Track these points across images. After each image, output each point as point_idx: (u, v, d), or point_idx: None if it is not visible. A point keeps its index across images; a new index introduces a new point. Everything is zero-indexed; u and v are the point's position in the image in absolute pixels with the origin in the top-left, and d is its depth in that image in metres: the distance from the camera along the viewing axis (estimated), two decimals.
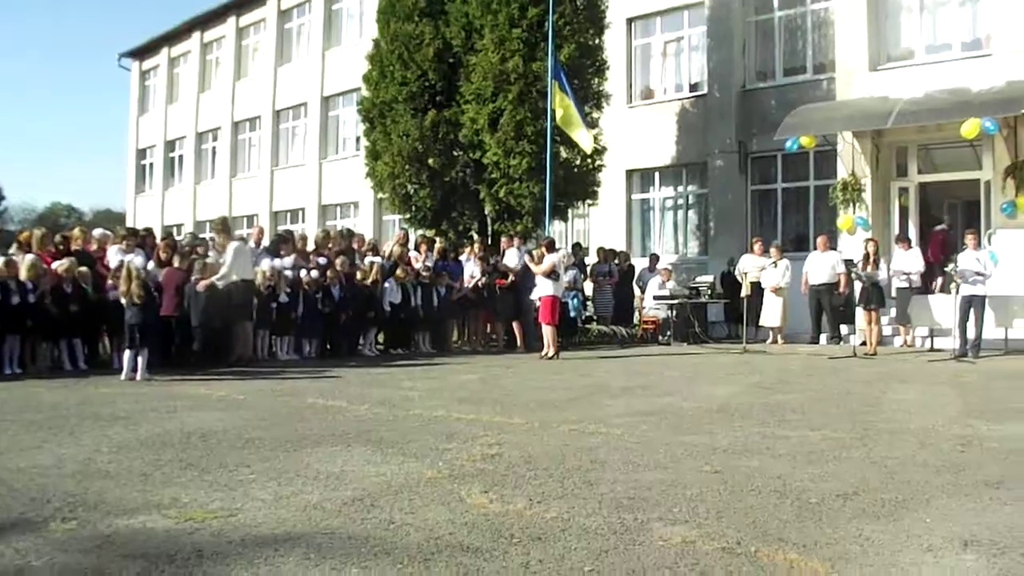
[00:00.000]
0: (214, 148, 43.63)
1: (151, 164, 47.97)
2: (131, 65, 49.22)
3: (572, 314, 20.18)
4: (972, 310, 16.56)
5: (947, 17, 22.07)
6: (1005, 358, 16.63)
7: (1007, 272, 18.37)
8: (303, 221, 37.71)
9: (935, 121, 20.43)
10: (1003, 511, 5.80)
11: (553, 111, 20.71)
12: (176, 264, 15.53)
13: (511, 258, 19.90)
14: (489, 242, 22.33)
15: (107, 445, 8.03)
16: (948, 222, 23.45)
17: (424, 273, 19.19)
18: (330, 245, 19.17)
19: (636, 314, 22.93)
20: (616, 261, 23.45)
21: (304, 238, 19.77)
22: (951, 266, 16.79)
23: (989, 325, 17.09)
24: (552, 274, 17.55)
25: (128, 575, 4.56)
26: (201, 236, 20.22)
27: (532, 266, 18.10)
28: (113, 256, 16.03)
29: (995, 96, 19.47)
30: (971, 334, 16.65)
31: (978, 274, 16.54)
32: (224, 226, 17.04)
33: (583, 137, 21.25)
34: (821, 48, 24.68)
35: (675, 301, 21.37)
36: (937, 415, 9.97)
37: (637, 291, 23.07)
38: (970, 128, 18.87)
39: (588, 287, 23.18)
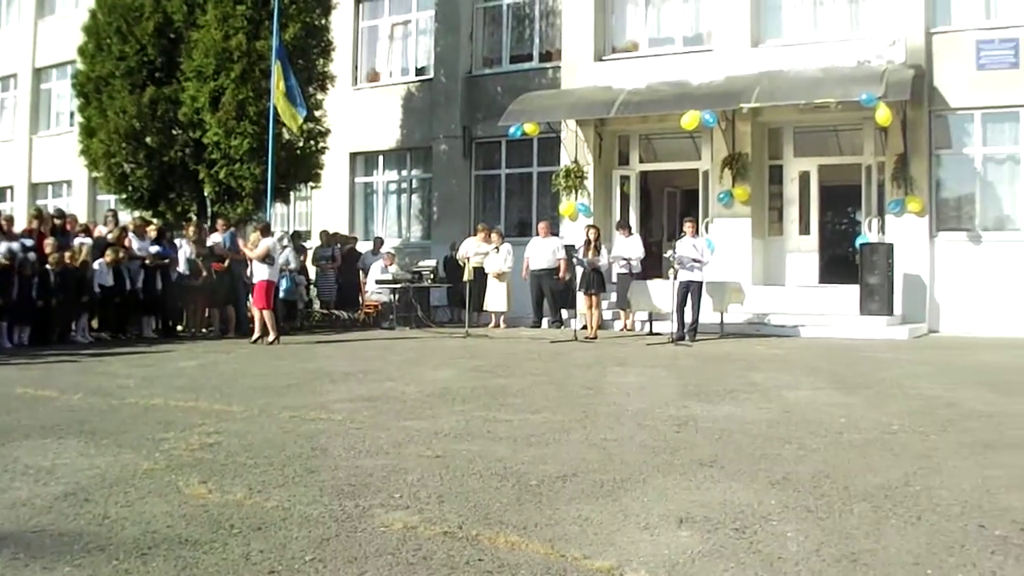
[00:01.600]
0: None
1: None
2: None
3: (282, 295, 19.42)
4: (689, 296, 16.94)
5: (671, 12, 22.68)
6: (720, 342, 17.16)
7: (723, 259, 19.02)
8: (11, 200, 35.46)
9: (657, 112, 21.00)
10: (716, 488, 6.00)
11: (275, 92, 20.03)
12: None
13: (217, 239, 19.16)
14: (209, 224, 21.42)
15: None
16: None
17: (140, 255, 18.17)
18: (40, 226, 17.87)
19: (359, 298, 22.50)
20: (339, 245, 22.95)
21: (10, 219, 18.32)
22: (669, 253, 17.14)
23: (706, 310, 17.55)
24: (267, 258, 16.96)
25: None
26: None
27: (246, 251, 17.48)
28: None
29: (715, 90, 20.18)
30: (688, 319, 16.99)
31: (695, 261, 16.94)
32: None
33: (292, 118, 20.38)
34: (548, 37, 24.91)
35: (398, 285, 21.13)
36: (655, 397, 10.20)
37: (361, 275, 22.63)
38: (690, 120, 19.40)
39: (311, 271, 22.60)
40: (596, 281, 18.14)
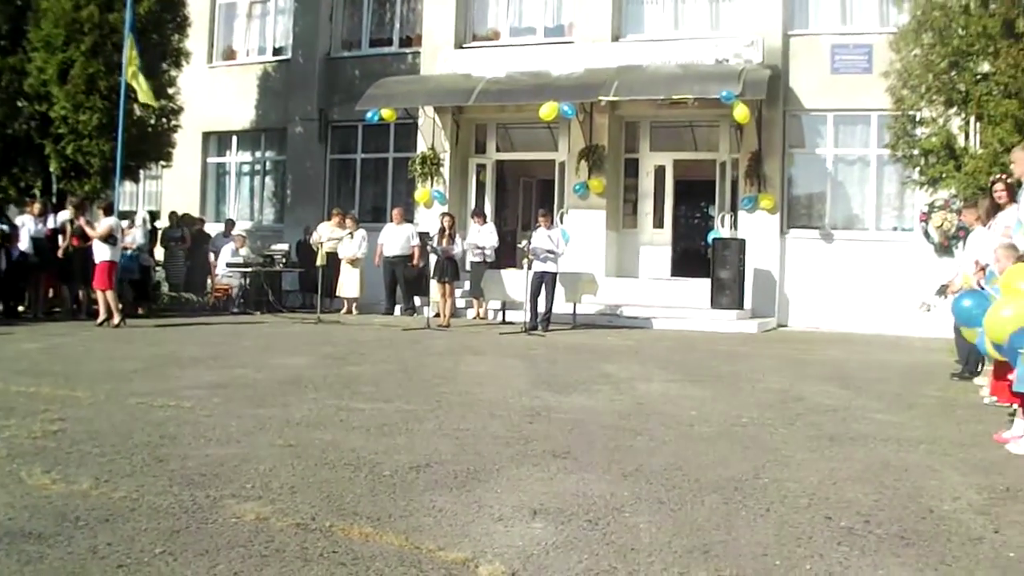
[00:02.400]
0: None
1: None
2: None
3: (120, 275, 18.78)
4: (543, 286, 16.99)
5: (533, 2, 22.77)
6: (573, 332, 17.29)
7: (577, 250, 19.13)
8: None
9: (516, 102, 21.10)
10: (569, 479, 6.02)
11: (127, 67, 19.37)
12: None
13: (65, 216, 18.45)
14: (54, 201, 20.67)
15: None
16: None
17: None
18: None
19: (209, 281, 22.03)
20: (189, 226, 22.41)
21: None
22: (524, 243, 17.15)
23: (559, 301, 17.63)
24: (109, 238, 16.46)
25: None
26: None
27: (88, 230, 16.93)
28: None
29: (574, 81, 20.30)
30: (541, 309, 17.05)
31: (549, 251, 17.00)
32: None
33: (147, 94, 19.71)
34: (409, 22, 24.71)
35: (249, 269, 20.79)
36: (508, 387, 10.22)
37: (211, 258, 22.13)
38: (548, 111, 19.51)
39: (159, 252, 22.03)
40: (450, 269, 18.10)
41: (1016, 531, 5.15)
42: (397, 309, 20.66)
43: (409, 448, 6.82)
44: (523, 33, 22.62)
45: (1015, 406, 7.78)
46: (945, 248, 18.22)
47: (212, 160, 27.21)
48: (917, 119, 17.52)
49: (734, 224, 20.46)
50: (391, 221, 21.01)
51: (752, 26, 20.34)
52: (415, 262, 19.90)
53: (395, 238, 20.45)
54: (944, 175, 16.65)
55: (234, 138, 26.91)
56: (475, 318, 19.60)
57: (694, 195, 23.97)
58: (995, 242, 9.72)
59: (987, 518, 5.39)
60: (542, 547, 4.66)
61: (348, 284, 20.77)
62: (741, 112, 18.46)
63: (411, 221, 21.33)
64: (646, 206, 21.85)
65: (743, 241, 19.38)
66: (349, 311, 20.59)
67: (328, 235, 20.67)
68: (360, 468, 6.16)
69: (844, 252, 19.82)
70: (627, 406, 9.06)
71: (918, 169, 17.25)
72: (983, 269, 10.27)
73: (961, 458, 7.03)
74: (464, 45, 22.63)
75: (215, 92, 25.72)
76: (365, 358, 12.72)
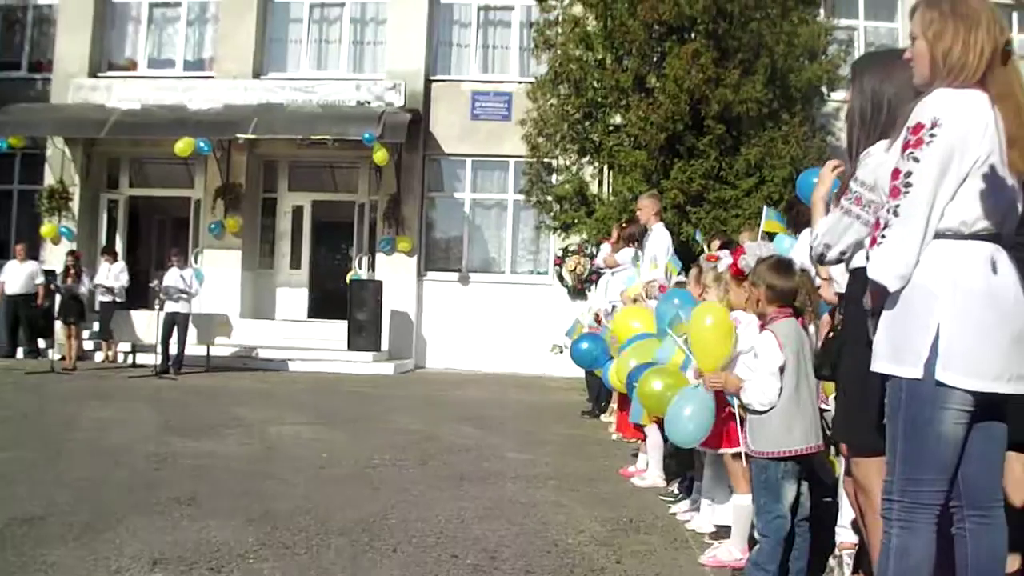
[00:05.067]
0: None
1: None
2: None
3: None
4: (176, 327, 16.49)
5: (173, 34, 22.21)
6: (206, 375, 16.88)
7: (212, 290, 18.71)
8: None
9: (151, 136, 20.50)
10: (194, 527, 5.85)
11: None
12: None
13: None
14: None
15: None
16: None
17: None
18: None
19: None
20: None
21: None
22: (155, 283, 16.68)
23: (191, 342, 17.13)
24: None
25: None
26: None
27: None
28: None
29: (213, 117, 19.88)
30: (173, 351, 16.54)
31: (182, 291, 16.54)
32: None
33: None
34: (40, 46, 23.38)
35: None
36: (135, 432, 9.90)
37: None
38: (184, 146, 19.05)
39: None
40: (75, 309, 17.27)
41: (636, 560, 5.39)
42: (19, 351, 19.46)
43: (22, 499, 6.41)
44: (162, 65, 21.98)
45: (640, 441, 8.14)
46: (579, 291, 19.02)
47: None
48: (552, 166, 18.30)
49: (372, 266, 20.57)
50: (14, 257, 19.76)
51: (395, 70, 20.61)
52: (40, 302, 18.84)
53: (18, 276, 19.24)
54: (576, 220, 17.45)
55: None
56: (104, 361, 18.75)
57: (333, 236, 23.92)
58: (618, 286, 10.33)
59: (609, 549, 5.62)
60: None
61: None
62: (380, 155, 18.64)
63: (36, 258, 20.17)
64: (284, 246, 21.70)
65: (380, 283, 19.45)
66: None
67: None
68: None
69: (481, 294, 20.30)
70: (257, 450, 8.92)
71: (552, 214, 17.99)
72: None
73: (588, 492, 7.31)
74: (99, 74, 21.72)
75: None
76: None
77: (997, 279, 3.18)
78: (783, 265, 4.93)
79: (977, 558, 3.30)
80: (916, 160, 3.17)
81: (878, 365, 3.33)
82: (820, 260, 3.74)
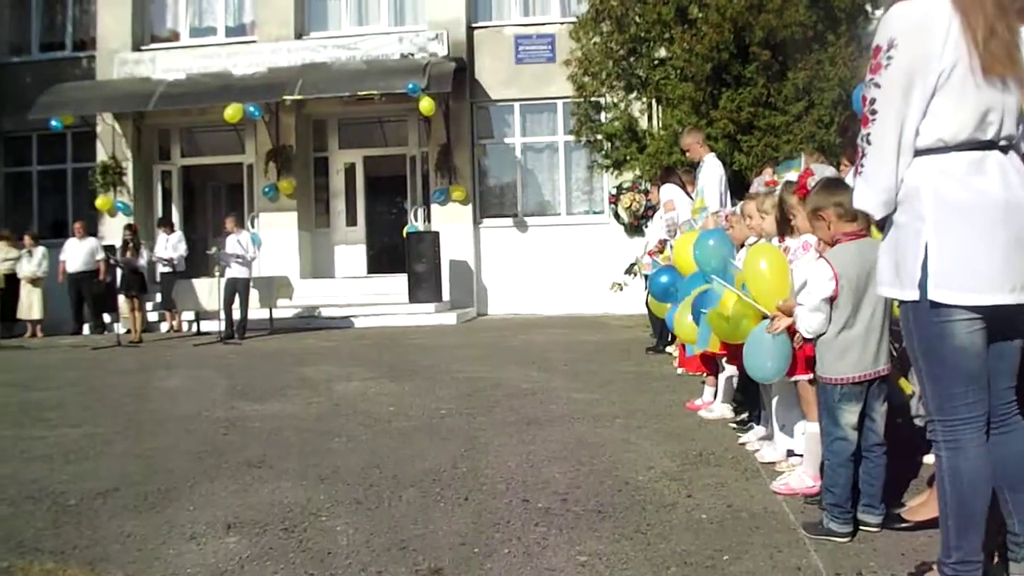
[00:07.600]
0: None
1: None
2: None
3: None
4: (237, 292, 16.58)
5: (213, 1, 22.31)
6: (270, 337, 16.99)
7: (270, 253, 18.81)
8: None
9: (198, 105, 20.62)
10: (264, 490, 5.83)
11: None
12: None
13: None
14: None
15: None
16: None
17: None
18: None
19: None
20: None
21: None
22: (214, 250, 16.76)
23: (254, 306, 17.24)
24: None
25: None
26: None
27: None
28: None
29: (258, 82, 19.98)
30: (236, 316, 16.66)
31: (239, 257, 16.61)
32: None
33: None
34: (83, 24, 23.59)
35: None
36: (203, 399, 9.89)
37: None
38: (233, 112, 19.17)
39: None
40: (137, 282, 17.44)
41: (707, 494, 5.31)
42: (85, 328, 19.72)
43: (96, 473, 6.43)
44: (204, 33, 22.12)
45: (705, 374, 8.06)
46: (635, 228, 18.93)
47: None
48: (600, 105, 18.14)
49: (427, 217, 20.60)
50: (73, 236, 19.99)
51: (436, 20, 20.54)
52: (101, 277, 19.09)
53: (78, 253, 19.49)
54: (628, 157, 17.28)
55: None
56: (169, 331, 18.98)
57: (387, 190, 23.94)
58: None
59: (680, 483, 5.55)
60: (236, 562, 4.47)
61: (29, 305, 19.65)
62: (426, 104, 18.60)
63: (95, 235, 20.39)
64: (338, 204, 21.79)
65: (437, 234, 19.50)
66: (33, 334, 19.46)
67: (2, 256, 19.53)
68: (42, 500, 5.74)
69: (538, 238, 20.29)
70: (324, 408, 8.90)
71: (603, 153, 17.86)
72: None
73: (655, 429, 7.24)
74: (142, 47, 21.86)
75: None
76: (49, 382, 12.00)
77: (984, 185, 3.08)
78: (840, 182, 4.81)
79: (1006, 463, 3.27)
80: (877, 86, 3.13)
81: (882, 290, 3.33)
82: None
